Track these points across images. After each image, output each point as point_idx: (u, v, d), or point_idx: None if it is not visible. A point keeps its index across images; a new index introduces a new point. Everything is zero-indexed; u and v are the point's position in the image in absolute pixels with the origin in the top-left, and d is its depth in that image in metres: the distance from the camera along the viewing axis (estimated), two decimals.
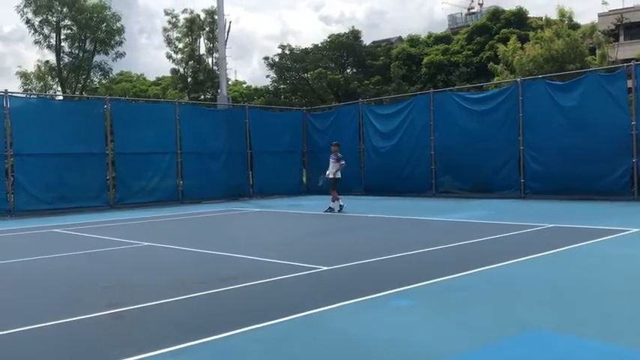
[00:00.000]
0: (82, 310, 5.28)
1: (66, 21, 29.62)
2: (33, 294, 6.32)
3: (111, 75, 33.87)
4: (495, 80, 22.96)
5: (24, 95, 27.05)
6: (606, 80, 15.36)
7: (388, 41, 51.27)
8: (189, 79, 37.68)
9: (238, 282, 6.27)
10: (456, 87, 24.95)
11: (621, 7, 42.48)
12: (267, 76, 43.41)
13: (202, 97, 36.81)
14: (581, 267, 6.84)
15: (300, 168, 23.30)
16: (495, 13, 38.01)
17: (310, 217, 14.30)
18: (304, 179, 23.25)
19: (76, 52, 30.40)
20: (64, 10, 29.13)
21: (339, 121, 22.00)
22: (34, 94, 30.63)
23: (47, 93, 30.94)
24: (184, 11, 37.83)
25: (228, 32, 27.62)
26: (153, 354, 4.02)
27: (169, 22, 37.08)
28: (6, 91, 16.57)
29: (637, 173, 14.52)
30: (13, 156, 16.47)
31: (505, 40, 27.39)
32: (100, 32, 29.76)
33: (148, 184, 18.85)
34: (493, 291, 5.68)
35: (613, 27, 37.56)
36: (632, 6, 41.90)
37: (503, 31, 34.84)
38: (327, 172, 14.89)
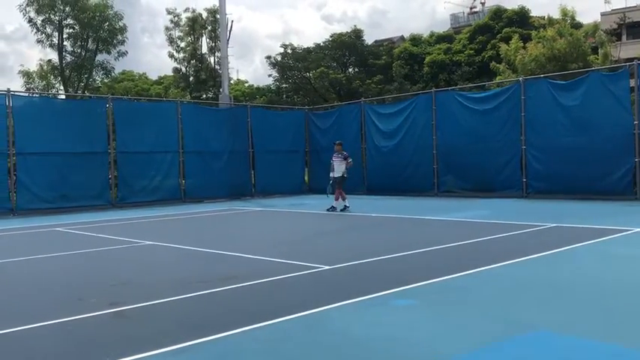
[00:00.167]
0: (83, 309, 5.30)
1: (68, 20, 29.62)
2: (35, 292, 6.34)
3: (113, 74, 33.86)
4: (497, 79, 22.92)
5: (26, 94, 27.15)
6: (609, 79, 15.33)
7: (390, 40, 51.23)
8: (191, 78, 37.66)
9: (239, 281, 6.28)
10: (458, 86, 24.92)
11: (624, 6, 42.35)
12: (269, 76, 43.44)
13: (204, 96, 36.80)
14: (583, 267, 6.84)
15: (302, 167, 23.31)
16: (497, 13, 37.92)
17: (312, 217, 14.31)
18: (306, 178, 23.26)
19: (79, 51, 30.41)
20: (67, 9, 29.14)
21: (341, 120, 22.01)
22: (37, 93, 30.69)
23: (49, 92, 30.96)
24: (186, 10, 37.63)
25: (230, 31, 27.67)
26: (154, 353, 4.03)
27: (171, 21, 37.08)
28: (8, 90, 16.61)
29: (639, 173, 14.50)
30: (15, 155, 16.52)
31: (507, 40, 27.32)
32: (103, 31, 29.76)
33: (150, 183, 18.90)
34: (494, 291, 5.68)
35: (616, 26, 37.45)
36: (634, 5, 41.73)
37: (505, 30, 34.77)
38: (333, 174, 14.82)
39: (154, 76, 50.60)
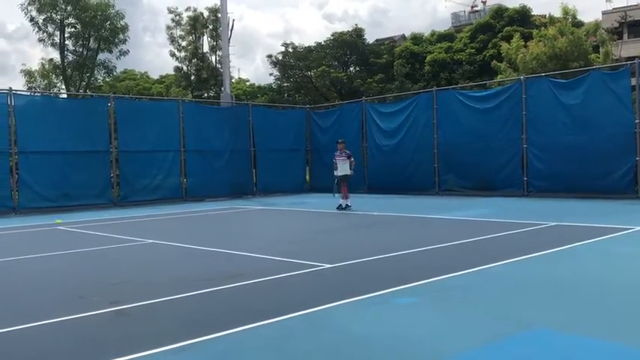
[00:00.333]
0: (85, 307, 5.31)
1: (70, 19, 29.61)
2: (36, 291, 6.35)
3: (115, 73, 33.85)
4: (498, 78, 22.88)
5: (28, 93, 27.12)
6: (610, 78, 15.32)
7: (391, 39, 51.16)
8: (192, 77, 37.65)
9: (241, 280, 6.30)
10: (459, 85, 24.89)
11: (625, 5, 42.28)
12: (271, 74, 43.36)
13: (206, 95, 36.81)
14: (584, 265, 6.84)
15: (304, 166, 23.32)
16: (499, 11, 37.85)
17: (313, 215, 14.32)
18: (307, 177, 23.27)
19: (80, 50, 30.40)
20: (68, 8, 29.13)
21: (342, 119, 22.01)
22: (38, 92, 30.67)
23: (51, 91, 31.00)
24: (188, 9, 37.63)
25: (231, 30, 27.68)
26: (156, 351, 4.04)
27: (173, 20, 37.06)
28: (10, 89, 16.63)
29: None
30: (17, 154, 16.54)
31: (508, 38, 27.29)
32: (104, 30, 29.75)
33: (152, 182, 18.92)
34: (495, 289, 5.69)
35: (617, 25, 37.35)
36: (636, 4, 41.66)
37: (506, 29, 34.71)
38: (337, 172, 14.81)
39: (155, 75, 50.67)
